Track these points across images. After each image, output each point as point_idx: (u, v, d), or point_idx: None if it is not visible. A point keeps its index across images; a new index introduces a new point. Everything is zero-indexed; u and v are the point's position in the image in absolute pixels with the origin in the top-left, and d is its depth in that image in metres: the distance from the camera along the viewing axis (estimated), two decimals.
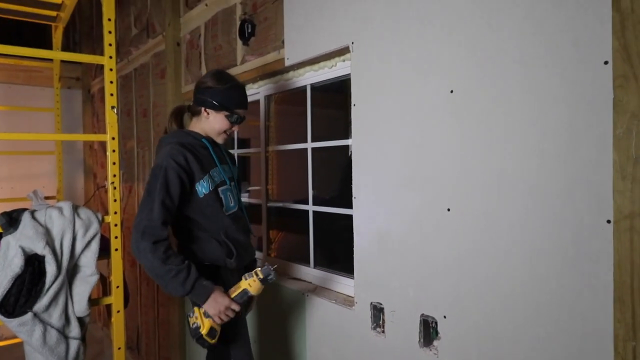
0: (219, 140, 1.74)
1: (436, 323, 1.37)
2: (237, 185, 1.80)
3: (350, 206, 1.70)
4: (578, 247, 1.05)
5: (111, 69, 2.03)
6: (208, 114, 1.69)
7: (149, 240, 1.45)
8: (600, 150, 1.00)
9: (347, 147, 1.92)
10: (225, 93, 1.67)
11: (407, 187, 1.45)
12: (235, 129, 1.74)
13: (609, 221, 0.99)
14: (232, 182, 1.76)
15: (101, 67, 4.33)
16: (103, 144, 4.35)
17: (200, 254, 1.64)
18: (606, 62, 0.99)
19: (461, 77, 1.28)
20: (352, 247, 1.68)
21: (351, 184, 1.68)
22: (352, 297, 1.75)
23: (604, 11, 0.98)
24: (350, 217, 1.71)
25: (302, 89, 2.07)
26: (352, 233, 1.68)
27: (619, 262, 0.98)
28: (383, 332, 1.55)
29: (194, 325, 1.50)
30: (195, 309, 1.52)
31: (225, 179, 1.71)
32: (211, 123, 1.70)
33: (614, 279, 0.98)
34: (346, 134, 3.06)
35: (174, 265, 1.45)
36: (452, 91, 1.30)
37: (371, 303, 1.59)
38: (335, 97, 3.16)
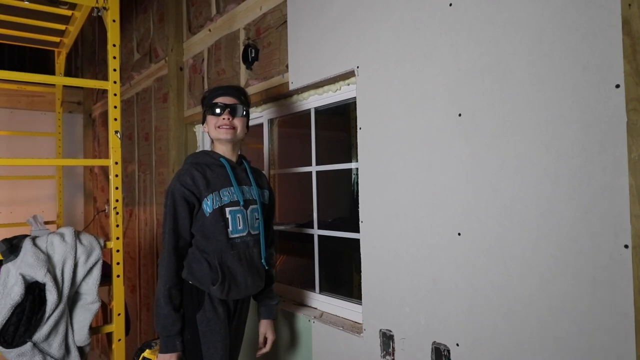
0: (223, 135, 1.63)
1: (449, 351, 1.33)
2: (260, 211, 1.70)
3: (352, 229, 1.68)
4: (595, 273, 1.02)
5: (115, 94, 2.03)
6: (206, 128, 1.70)
7: (165, 268, 1.57)
8: (615, 175, 0.99)
9: (348, 169, 1.92)
10: (205, 97, 1.70)
11: (415, 212, 1.43)
12: (226, 117, 1.61)
13: (626, 246, 0.97)
14: (253, 205, 1.68)
15: (103, 91, 4.38)
16: (104, 168, 4.35)
17: (187, 271, 1.60)
18: (618, 86, 0.98)
19: (469, 100, 1.27)
20: (354, 270, 1.65)
21: (353, 207, 1.66)
22: (360, 323, 1.71)
23: (614, 35, 0.99)
24: (352, 240, 1.68)
25: (306, 113, 2.07)
26: (353, 257, 1.65)
27: (639, 288, 0.95)
28: None
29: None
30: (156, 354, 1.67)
31: (239, 200, 1.63)
32: (209, 131, 1.69)
33: (635, 306, 0.96)
34: (349, 157, 3.06)
35: (172, 307, 1.54)
36: (460, 114, 1.30)
37: (380, 330, 1.55)
38: (337, 120, 3.18)
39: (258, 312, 1.80)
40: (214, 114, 1.64)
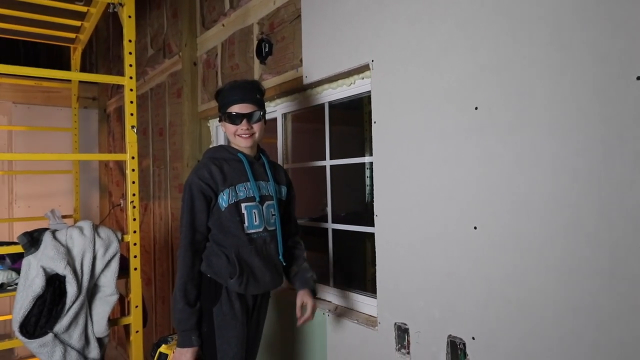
0: (240, 143, 1.65)
1: (464, 344, 1.34)
2: (276, 207, 1.69)
3: (366, 223, 1.68)
4: (614, 267, 1.01)
5: (131, 89, 2.05)
6: (223, 126, 1.70)
7: (181, 262, 1.58)
8: (635, 168, 0.98)
9: (361, 164, 1.91)
10: (220, 97, 1.67)
11: (431, 205, 1.43)
12: (243, 125, 1.61)
13: None
14: (269, 201, 1.68)
15: (117, 87, 4.43)
16: (119, 163, 4.40)
17: (206, 265, 1.61)
18: (639, 78, 0.97)
19: (486, 94, 1.27)
20: (368, 264, 1.65)
21: (365, 201, 1.66)
22: (374, 317, 1.72)
23: (635, 26, 0.97)
24: (366, 234, 1.69)
25: (320, 107, 2.08)
26: (367, 250, 1.65)
27: None
28: (408, 353, 1.51)
29: (165, 354, 1.69)
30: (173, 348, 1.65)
31: (255, 195, 1.63)
32: (226, 132, 1.69)
33: None
34: (362, 151, 3.06)
35: (186, 302, 1.55)
36: (476, 108, 1.29)
37: (395, 323, 1.56)
38: (350, 114, 3.17)
39: (295, 286, 1.75)
40: (232, 122, 1.63)
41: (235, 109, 1.62)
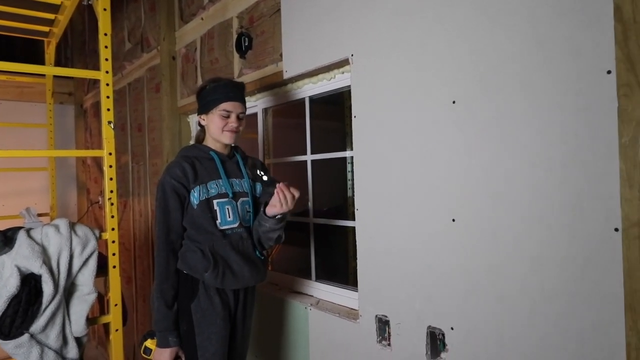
0: (226, 139, 1.66)
1: (443, 335, 1.36)
2: (251, 204, 1.70)
3: (347, 217, 1.69)
4: (587, 256, 1.04)
5: (108, 84, 2.01)
6: (204, 120, 1.70)
7: (157, 262, 1.60)
8: (606, 159, 1.00)
9: (343, 158, 1.92)
10: (209, 92, 1.67)
11: (410, 198, 1.44)
12: (233, 122, 1.64)
13: (617, 229, 0.99)
14: (243, 197, 1.68)
15: (94, 82, 4.33)
16: (97, 159, 4.32)
17: (181, 261, 1.61)
18: (609, 72, 1.00)
19: (463, 87, 1.28)
20: (349, 258, 1.66)
21: (347, 195, 1.67)
22: (356, 310, 1.74)
23: (606, 21, 1.00)
24: (348, 228, 1.69)
25: (300, 102, 2.07)
26: (348, 244, 1.66)
27: (629, 270, 0.98)
28: (389, 345, 1.53)
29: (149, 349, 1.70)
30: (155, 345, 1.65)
31: (228, 192, 1.63)
32: (209, 126, 1.69)
33: (624, 287, 0.98)
34: (343, 146, 3.07)
35: (162, 302, 1.57)
36: (454, 102, 1.31)
37: (376, 316, 1.57)
38: (332, 109, 3.17)
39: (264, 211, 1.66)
40: (222, 117, 1.65)
41: (229, 107, 1.65)
